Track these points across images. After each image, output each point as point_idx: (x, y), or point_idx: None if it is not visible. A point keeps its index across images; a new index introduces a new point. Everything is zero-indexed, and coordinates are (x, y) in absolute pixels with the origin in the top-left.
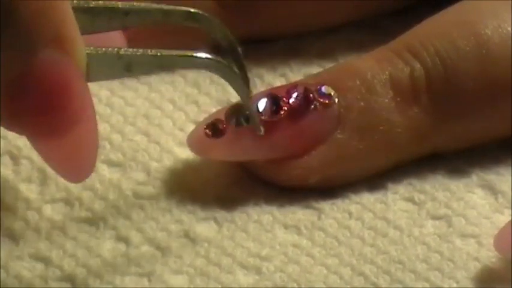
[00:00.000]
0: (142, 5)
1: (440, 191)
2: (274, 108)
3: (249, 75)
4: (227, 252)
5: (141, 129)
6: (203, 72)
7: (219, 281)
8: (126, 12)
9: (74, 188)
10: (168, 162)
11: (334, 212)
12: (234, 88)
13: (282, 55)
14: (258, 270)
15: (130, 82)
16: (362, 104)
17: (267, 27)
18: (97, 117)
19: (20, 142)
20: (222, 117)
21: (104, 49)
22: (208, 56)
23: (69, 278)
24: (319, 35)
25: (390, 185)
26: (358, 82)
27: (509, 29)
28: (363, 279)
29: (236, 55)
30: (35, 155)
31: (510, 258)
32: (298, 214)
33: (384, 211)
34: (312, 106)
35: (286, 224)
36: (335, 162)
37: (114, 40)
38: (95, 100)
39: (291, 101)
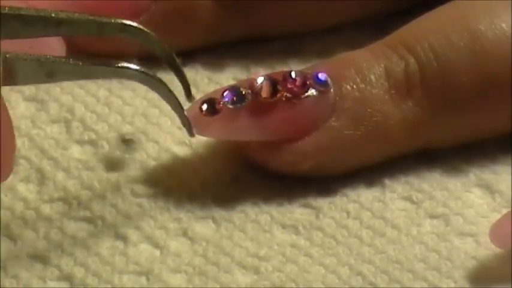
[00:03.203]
0: (76, 15)
1: (438, 190)
2: (271, 90)
3: (248, 74)
4: (225, 251)
5: (139, 129)
6: (201, 71)
7: (218, 280)
8: (59, 22)
9: (72, 187)
10: (166, 161)
11: (332, 211)
12: (164, 99)
13: (280, 55)
14: (256, 270)
15: (129, 82)
16: (357, 93)
17: (266, 26)
18: (95, 116)
19: (19, 142)
20: (218, 96)
21: (25, 55)
22: (135, 67)
23: (68, 277)
24: (319, 34)
25: (388, 183)
26: (353, 72)
27: (503, 25)
28: (361, 278)
29: (175, 66)
30: (33, 155)
31: (507, 250)
32: (296, 214)
33: (382, 210)
34: (308, 92)
35: (284, 223)
36: (328, 149)
37: (51, 45)
38: (93, 100)
39: (288, 85)
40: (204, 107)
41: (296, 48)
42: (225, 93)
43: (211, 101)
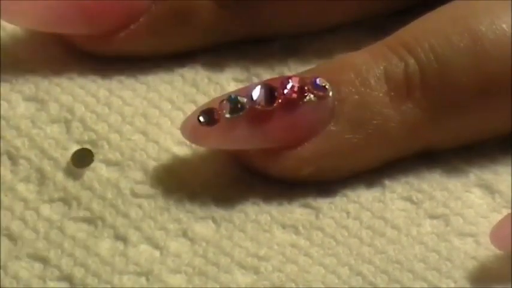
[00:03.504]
0: None
1: (438, 190)
2: (268, 97)
3: (248, 74)
4: (225, 251)
5: (139, 129)
6: (201, 71)
7: (217, 280)
8: None
9: (72, 187)
10: (166, 161)
11: (332, 212)
12: None
13: (280, 55)
14: (256, 270)
15: (129, 82)
16: (356, 97)
17: (266, 26)
18: (95, 116)
19: (19, 142)
20: (216, 106)
21: None
22: None
23: (67, 278)
24: (318, 34)
25: (388, 183)
26: (352, 75)
27: (504, 25)
28: (361, 278)
29: None
30: (33, 155)
31: (507, 251)
32: (296, 214)
33: (382, 210)
34: (306, 98)
35: (284, 223)
36: (328, 155)
37: None
38: (93, 100)
39: (286, 91)
40: (202, 118)
41: (296, 48)
42: (222, 103)
43: (208, 112)
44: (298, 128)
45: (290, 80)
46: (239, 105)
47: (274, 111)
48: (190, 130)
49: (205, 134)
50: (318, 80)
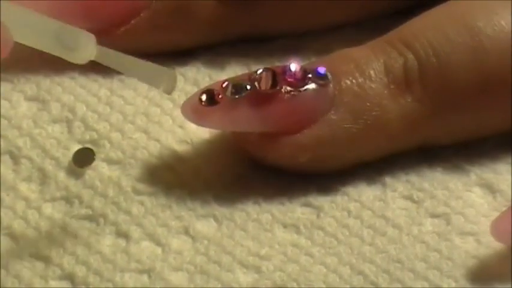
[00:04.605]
0: None
1: (439, 190)
2: (271, 82)
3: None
4: (227, 250)
5: (141, 127)
6: (202, 70)
7: (219, 279)
8: None
9: (74, 186)
10: (167, 159)
11: (333, 211)
12: None
13: (281, 53)
14: (258, 269)
15: (130, 81)
16: (356, 88)
17: (267, 25)
18: (97, 116)
19: (20, 142)
20: (218, 88)
21: None
22: None
23: (69, 277)
24: (319, 34)
25: (389, 182)
26: (352, 67)
27: (502, 22)
28: (362, 278)
29: None
30: (34, 155)
31: (507, 244)
32: (297, 213)
33: (383, 209)
34: (308, 85)
35: (285, 223)
36: (326, 142)
37: None
38: (94, 100)
39: (287, 78)
40: (204, 97)
41: (296, 47)
42: (224, 85)
43: (210, 92)
44: (298, 114)
45: (292, 67)
46: (241, 88)
47: (275, 95)
48: (190, 109)
49: (205, 114)
50: (319, 69)
